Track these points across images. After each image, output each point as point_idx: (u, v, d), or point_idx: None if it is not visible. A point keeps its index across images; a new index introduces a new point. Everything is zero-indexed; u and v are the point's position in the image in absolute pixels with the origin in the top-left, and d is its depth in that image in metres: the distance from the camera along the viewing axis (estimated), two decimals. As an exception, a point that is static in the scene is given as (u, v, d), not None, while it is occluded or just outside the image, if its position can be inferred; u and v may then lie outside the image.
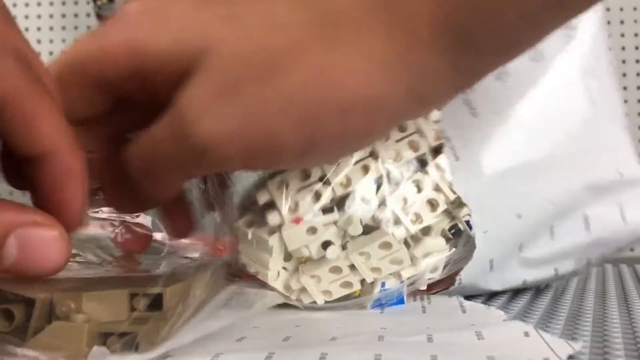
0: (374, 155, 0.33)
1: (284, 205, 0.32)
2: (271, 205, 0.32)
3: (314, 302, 0.33)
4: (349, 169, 0.32)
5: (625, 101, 0.75)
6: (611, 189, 0.37)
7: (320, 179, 0.32)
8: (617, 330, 0.29)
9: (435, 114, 0.34)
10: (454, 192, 0.33)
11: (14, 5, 0.82)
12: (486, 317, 0.31)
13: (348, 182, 0.32)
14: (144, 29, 0.26)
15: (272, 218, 0.32)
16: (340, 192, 0.32)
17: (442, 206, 0.33)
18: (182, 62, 0.25)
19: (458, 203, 0.33)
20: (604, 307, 0.34)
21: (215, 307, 0.28)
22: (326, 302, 0.33)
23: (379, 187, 0.32)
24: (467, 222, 0.33)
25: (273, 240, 0.32)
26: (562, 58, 0.36)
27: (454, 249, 0.34)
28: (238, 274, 0.34)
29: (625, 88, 0.75)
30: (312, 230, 0.32)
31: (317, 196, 0.32)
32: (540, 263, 0.37)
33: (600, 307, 0.35)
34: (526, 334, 0.26)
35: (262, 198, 0.32)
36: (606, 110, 0.38)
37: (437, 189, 0.33)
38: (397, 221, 0.32)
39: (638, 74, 0.76)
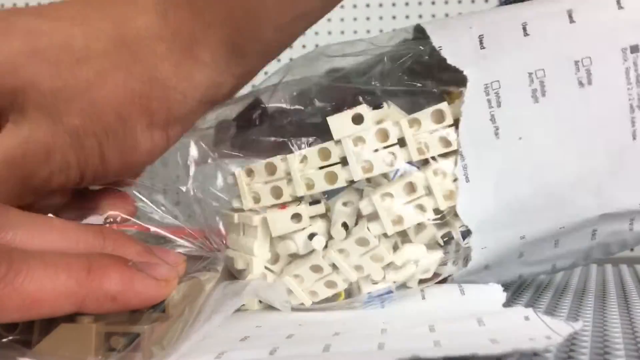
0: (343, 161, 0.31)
1: (247, 195, 0.33)
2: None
3: (302, 304, 0.32)
4: (313, 171, 0.32)
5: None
6: (627, 215, 0.35)
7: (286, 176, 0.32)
8: (617, 330, 0.29)
9: (426, 124, 0.32)
10: (448, 201, 0.31)
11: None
12: (486, 300, 0.31)
13: (311, 185, 0.32)
14: None
15: (235, 202, 0.33)
16: (302, 192, 0.32)
17: (430, 213, 0.31)
18: None
19: (454, 212, 0.32)
20: (604, 307, 0.35)
21: (213, 306, 0.28)
22: (314, 303, 0.32)
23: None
24: (462, 232, 0.32)
25: (257, 220, 0.32)
26: (614, 86, 0.33)
27: (446, 253, 0.33)
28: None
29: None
30: (297, 217, 0.31)
31: (277, 193, 0.32)
32: (539, 263, 0.37)
33: (600, 307, 0.35)
34: (526, 318, 0.26)
35: (229, 180, 0.34)
36: None
37: (429, 192, 0.31)
38: (375, 216, 0.31)
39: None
